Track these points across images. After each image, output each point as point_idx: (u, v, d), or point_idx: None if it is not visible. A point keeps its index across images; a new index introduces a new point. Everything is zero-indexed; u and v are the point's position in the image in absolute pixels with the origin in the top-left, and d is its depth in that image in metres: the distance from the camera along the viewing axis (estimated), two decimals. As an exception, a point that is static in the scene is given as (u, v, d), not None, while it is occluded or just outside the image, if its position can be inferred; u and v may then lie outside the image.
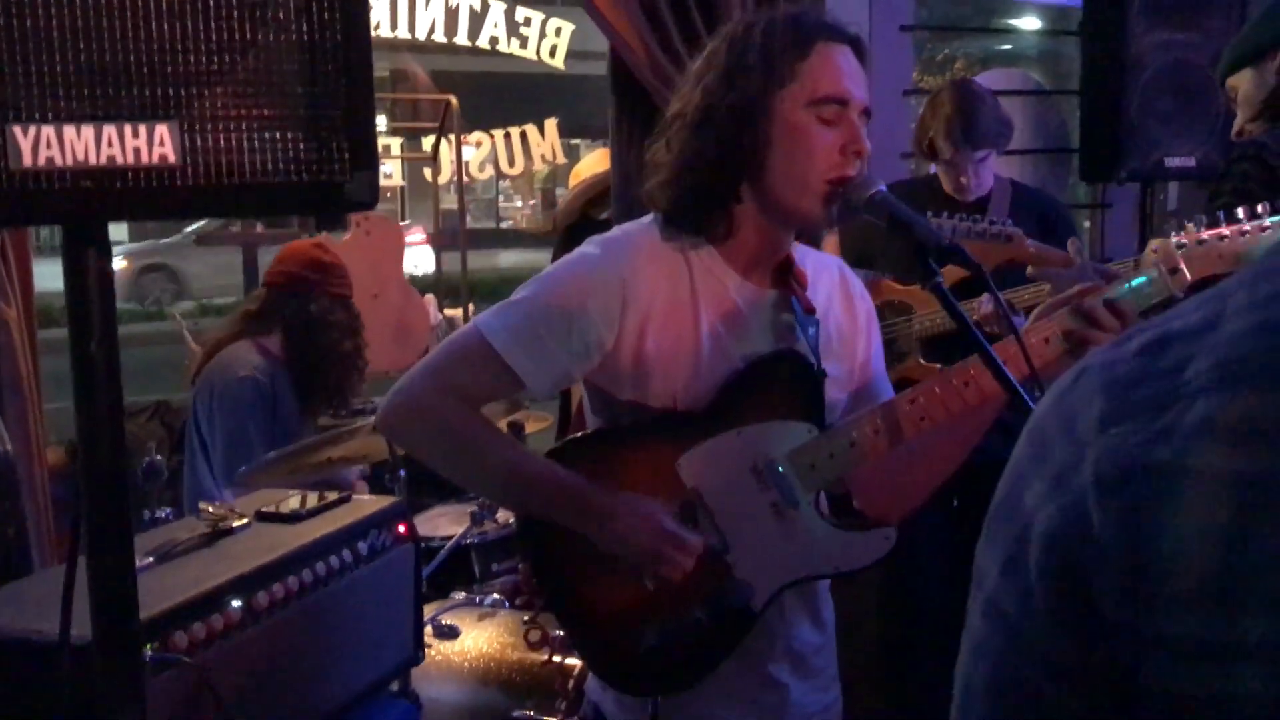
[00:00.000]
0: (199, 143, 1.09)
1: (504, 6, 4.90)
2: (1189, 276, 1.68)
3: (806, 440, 1.73)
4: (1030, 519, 0.63)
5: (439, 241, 5.77)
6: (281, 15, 1.11)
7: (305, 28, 1.12)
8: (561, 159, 5.25)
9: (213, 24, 1.08)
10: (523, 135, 4.96)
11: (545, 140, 4.95)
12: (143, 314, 14.36)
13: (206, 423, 3.17)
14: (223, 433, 3.15)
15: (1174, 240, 1.69)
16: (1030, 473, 0.65)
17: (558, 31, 4.93)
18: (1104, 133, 3.76)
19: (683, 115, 1.69)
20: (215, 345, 3.29)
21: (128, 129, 1.07)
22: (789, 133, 1.64)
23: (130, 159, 1.07)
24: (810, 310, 1.76)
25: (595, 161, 4.23)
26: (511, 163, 5.02)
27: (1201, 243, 1.68)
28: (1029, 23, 5.89)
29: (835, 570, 1.78)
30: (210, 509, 1.99)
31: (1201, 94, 3.72)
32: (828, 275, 1.86)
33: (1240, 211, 1.68)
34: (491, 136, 4.94)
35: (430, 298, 5.06)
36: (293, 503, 2.08)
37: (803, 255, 1.83)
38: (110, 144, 1.06)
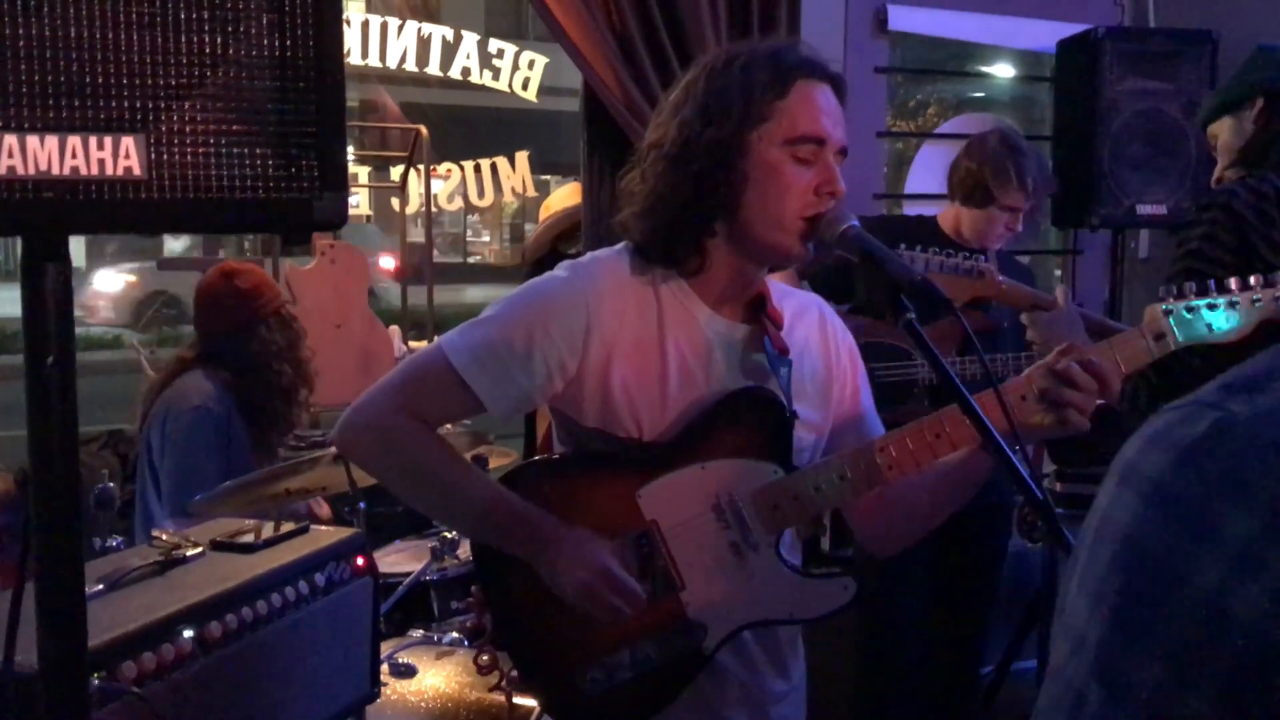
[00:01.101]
0: (166, 156, 1.06)
1: (477, 38, 4.89)
2: (1172, 345, 1.67)
3: (771, 481, 1.70)
4: (1215, 607, 0.53)
5: (405, 274, 5.74)
6: (254, 30, 1.09)
7: (277, 44, 1.10)
8: (532, 192, 5.23)
9: (184, 37, 1.06)
10: (493, 167, 4.94)
11: (516, 173, 4.93)
12: (96, 341, 14.15)
13: (159, 453, 3.11)
14: (173, 462, 3.09)
15: (1161, 306, 1.68)
16: (1188, 552, 0.55)
17: (530, 64, 4.93)
18: (1076, 179, 3.79)
19: (659, 146, 1.68)
20: (167, 375, 3.23)
21: (93, 140, 1.04)
22: (764, 171, 1.63)
23: (95, 171, 1.04)
24: (783, 351, 1.74)
25: (566, 195, 4.22)
26: (481, 194, 5.00)
27: (1190, 309, 1.66)
28: (1002, 69, 5.96)
29: (790, 617, 1.75)
30: (164, 536, 1.94)
31: (1173, 142, 3.77)
32: (807, 316, 1.85)
33: (1232, 282, 1.67)
34: (461, 168, 4.92)
35: (395, 329, 5.02)
36: (248, 533, 2.03)
37: (781, 295, 1.82)
38: (74, 155, 1.03)
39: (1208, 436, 0.56)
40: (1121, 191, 3.79)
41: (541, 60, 4.95)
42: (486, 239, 23.22)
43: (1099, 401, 1.60)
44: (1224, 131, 2.45)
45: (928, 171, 4.20)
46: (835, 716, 3.66)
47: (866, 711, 3.51)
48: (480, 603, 1.80)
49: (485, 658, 1.84)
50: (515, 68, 4.92)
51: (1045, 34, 4.17)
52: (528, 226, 20.93)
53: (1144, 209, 3.80)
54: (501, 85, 4.93)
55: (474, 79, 4.91)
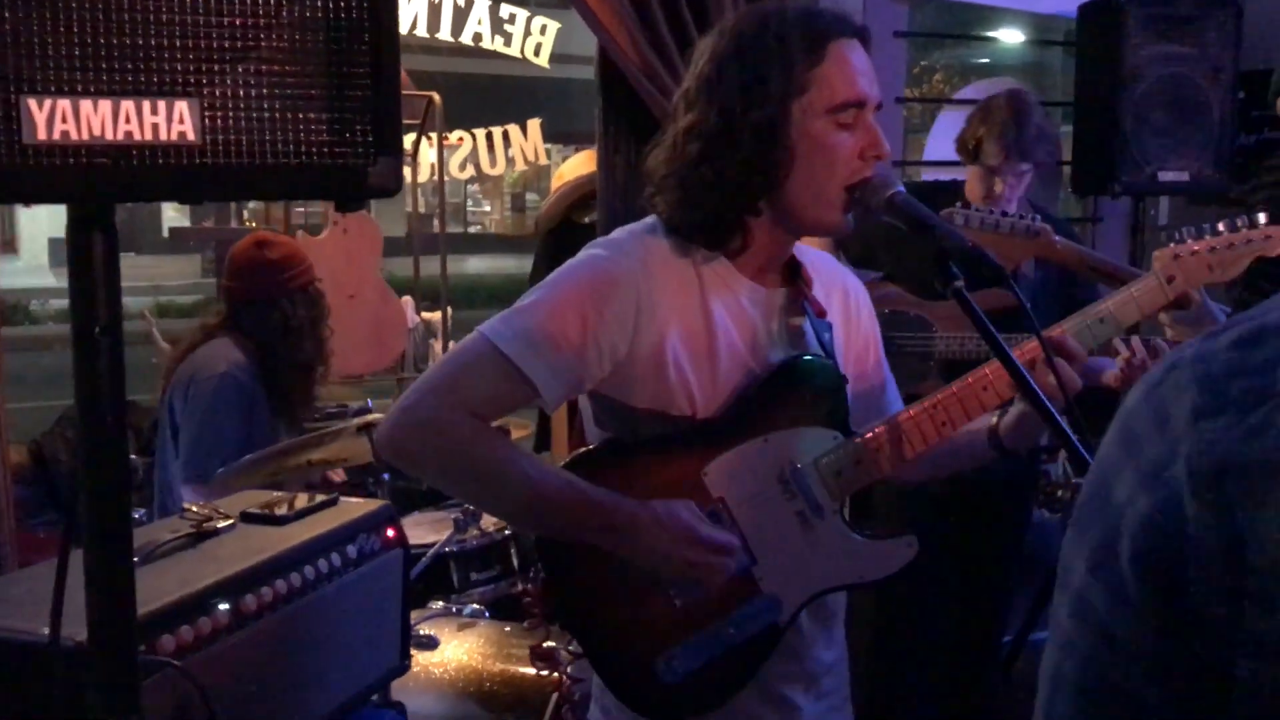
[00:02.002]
0: (219, 122, 1.04)
1: (489, 3, 4.83)
2: (1185, 286, 1.81)
3: (832, 447, 1.69)
4: (1121, 514, 0.63)
5: (411, 245, 5.70)
6: (307, -9, 1.06)
7: (331, 5, 1.07)
8: (544, 160, 5.19)
9: (236, 1, 1.03)
10: (505, 135, 4.89)
11: (528, 140, 4.88)
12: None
13: (181, 419, 3.09)
14: (194, 426, 3.07)
15: (1173, 250, 1.78)
16: (1120, 467, 0.64)
17: (543, 29, 4.86)
18: (1098, 146, 3.76)
19: (696, 129, 1.62)
20: (193, 341, 3.20)
21: (146, 105, 1.01)
22: (810, 144, 1.59)
23: (148, 136, 1.02)
24: (822, 313, 1.73)
25: (579, 164, 4.19)
26: (493, 163, 4.95)
27: (1195, 253, 1.79)
28: (1011, 34, 5.90)
29: (860, 579, 1.74)
30: (194, 509, 1.92)
31: (1196, 108, 3.73)
32: (828, 276, 1.82)
33: (1221, 225, 1.82)
34: (473, 136, 4.87)
35: (408, 299, 4.98)
36: (279, 504, 2.02)
37: (802, 253, 1.79)
38: (128, 120, 1.01)
39: (1162, 373, 0.65)
40: (1144, 158, 3.75)
41: (554, 25, 4.89)
42: (488, 209, 23.13)
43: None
44: None
45: (947, 138, 4.16)
46: (855, 684, 3.66)
47: (888, 680, 3.51)
48: (539, 600, 1.74)
49: (543, 659, 1.80)
50: (527, 33, 4.86)
51: (1066, -1, 4.12)
52: (530, 196, 20.83)
53: (1166, 176, 3.76)
54: (513, 51, 4.86)
55: (485, 44, 4.84)
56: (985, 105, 3.14)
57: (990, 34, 5.86)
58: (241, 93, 1.04)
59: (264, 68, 1.05)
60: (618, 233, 1.73)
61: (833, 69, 1.59)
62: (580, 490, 1.62)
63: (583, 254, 1.69)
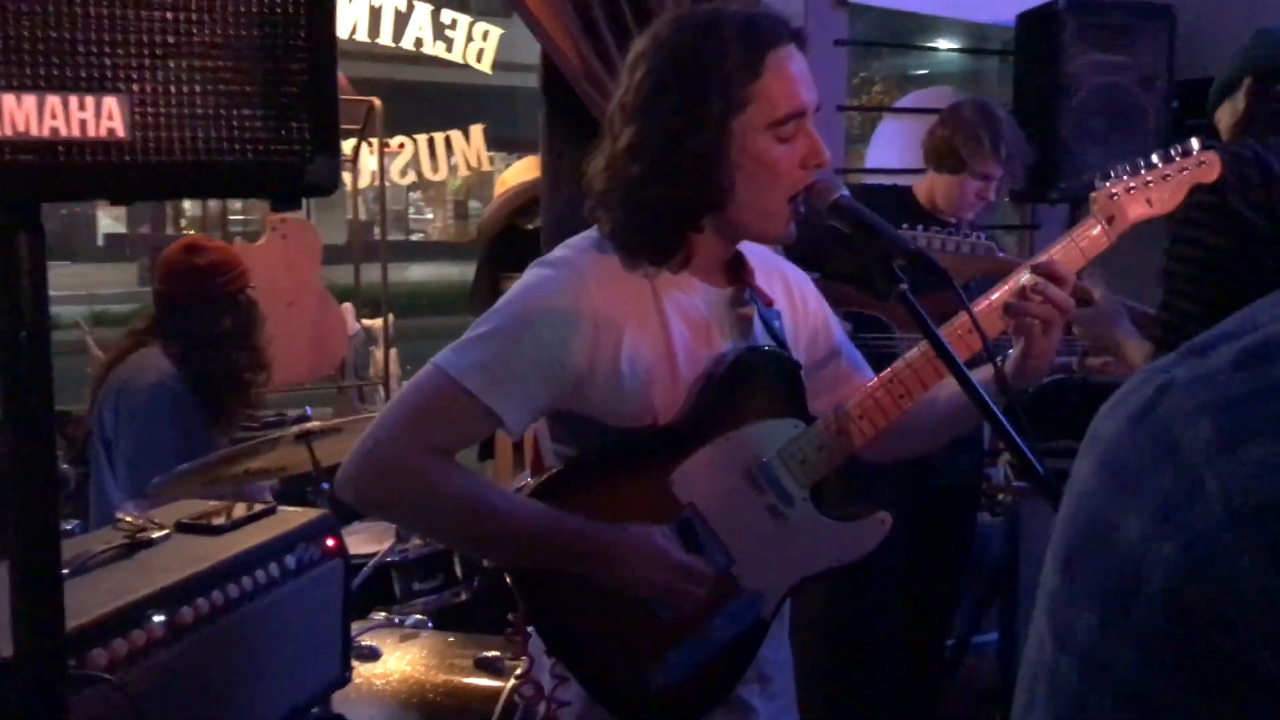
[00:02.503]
0: (150, 118, 1.01)
1: (429, 8, 4.79)
2: (1127, 222, 1.79)
3: (794, 435, 1.69)
4: (1138, 561, 0.56)
5: (352, 252, 5.64)
6: (242, -17, 1.04)
7: (267, -1, 1.05)
8: (487, 165, 5.15)
9: (168, -10, 1.01)
10: (447, 140, 4.85)
11: (471, 146, 4.84)
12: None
13: (113, 431, 3.02)
14: (130, 441, 3.00)
15: (1108, 190, 1.78)
16: (1117, 507, 0.58)
17: (485, 36, 4.82)
18: (1036, 153, 3.79)
19: (636, 152, 1.58)
20: (120, 351, 3.13)
21: (74, 100, 0.99)
22: (752, 162, 1.57)
23: (75, 132, 0.99)
24: (769, 302, 1.73)
25: (522, 170, 4.17)
26: (435, 169, 4.91)
27: (1130, 190, 1.79)
28: (949, 44, 5.98)
29: (839, 562, 1.75)
30: (128, 519, 1.88)
31: (1132, 116, 3.79)
32: (764, 264, 1.82)
33: (1155, 157, 1.82)
34: (414, 141, 4.82)
35: (348, 306, 4.92)
36: (215, 514, 1.98)
37: (742, 247, 1.77)
38: (54, 115, 0.98)
39: (1150, 399, 0.59)
40: (1081, 165, 3.80)
41: (496, 32, 4.86)
42: (430, 216, 22.99)
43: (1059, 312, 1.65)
44: (1224, 115, 2.50)
45: (888, 146, 4.19)
46: (804, 687, 3.66)
47: (836, 683, 3.52)
48: (520, 630, 1.73)
49: (529, 690, 1.76)
50: (469, 39, 4.82)
51: (1004, 7, 4.17)
52: (473, 204, 20.72)
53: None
54: (455, 57, 4.82)
55: (427, 50, 4.79)
56: (956, 115, 3.15)
57: (929, 44, 5.93)
58: (173, 88, 1.02)
59: (196, 63, 1.02)
60: (562, 249, 1.69)
61: (772, 82, 1.56)
62: (554, 521, 1.60)
63: (530, 275, 1.65)
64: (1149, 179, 1.79)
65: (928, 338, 1.47)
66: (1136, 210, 1.78)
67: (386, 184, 4.94)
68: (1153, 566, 0.55)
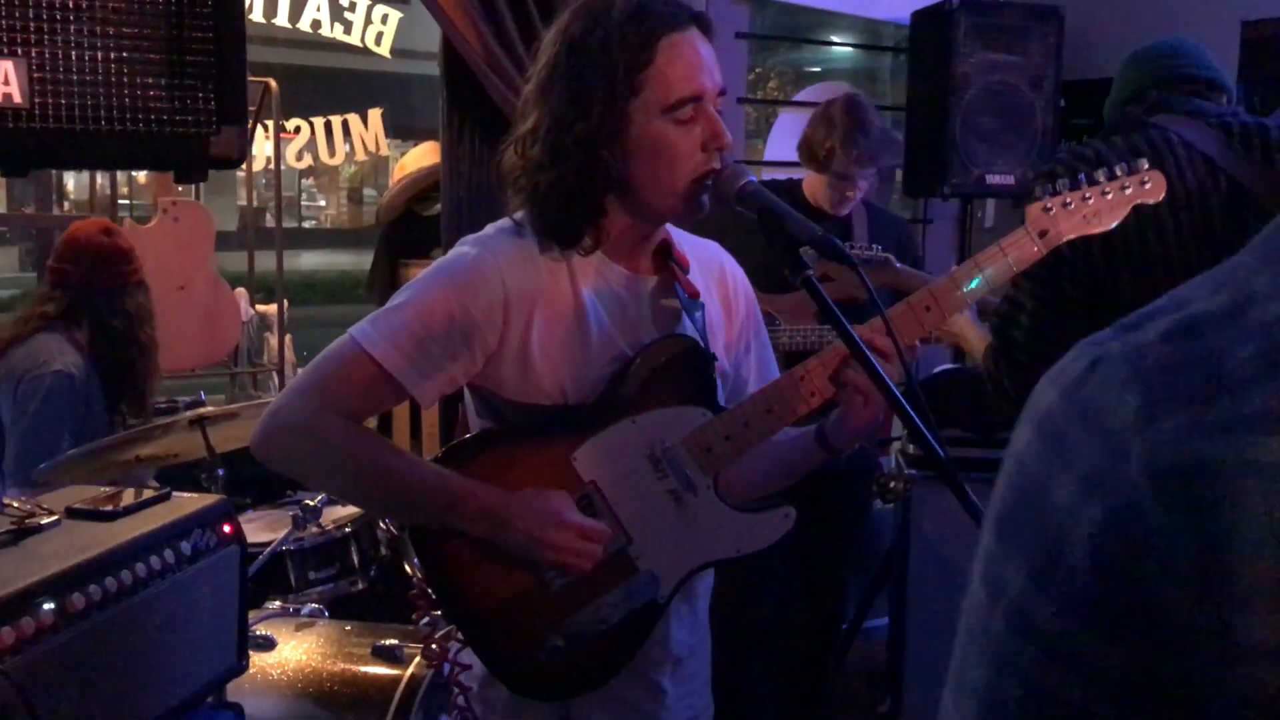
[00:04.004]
0: (49, 84, 0.98)
1: (328, -11, 4.72)
2: (1061, 237, 1.74)
3: (701, 424, 1.71)
4: (1066, 522, 0.59)
5: (244, 238, 5.52)
6: (147, -51, 1.01)
7: (173, -36, 1.02)
8: (385, 150, 5.07)
9: (68, -48, 0.98)
10: (344, 124, 4.77)
11: (369, 130, 4.77)
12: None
13: (8, 418, 2.92)
14: (25, 428, 2.91)
15: (1041, 205, 1.74)
16: (1050, 471, 0.61)
17: (384, 19, 4.74)
18: (929, 149, 3.88)
19: (535, 134, 1.63)
20: (13, 337, 3.02)
21: (-34, 63, 0.95)
22: (648, 145, 1.60)
23: (-32, 96, 0.95)
24: (694, 295, 1.74)
25: (421, 155, 4.12)
26: (332, 153, 4.82)
27: (1067, 205, 1.73)
28: (844, 40, 6.07)
29: (738, 552, 1.76)
30: (14, 504, 1.81)
31: (1021, 114, 3.89)
32: (708, 261, 1.85)
33: (1100, 174, 1.76)
34: (311, 125, 4.74)
35: (241, 291, 4.81)
36: (106, 500, 1.92)
37: (682, 240, 1.82)
38: (-55, 78, 0.94)
39: (1084, 371, 0.62)
40: (971, 162, 3.90)
41: (395, 15, 4.78)
42: (323, 203, 22.58)
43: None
44: None
45: (786, 138, 4.24)
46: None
47: (729, 669, 3.55)
48: (423, 594, 1.75)
49: (435, 648, 1.77)
50: (368, 21, 4.74)
51: (899, 4, 4.24)
52: (367, 191, 20.40)
53: (993, 179, 3.92)
54: (354, 39, 4.74)
55: (324, 32, 4.71)
56: (826, 114, 3.20)
57: (825, 40, 6.01)
58: (74, 54, 0.99)
59: (98, 28, 0.99)
60: (488, 229, 1.74)
61: (666, 67, 1.58)
62: (451, 481, 1.65)
63: (452, 252, 1.71)
64: (1087, 195, 1.74)
65: (832, 323, 1.49)
66: (1072, 226, 1.74)
67: (282, 168, 4.86)
68: (1079, 527, 0.58)
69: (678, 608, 1.77)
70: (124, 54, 0.98)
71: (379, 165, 16.65)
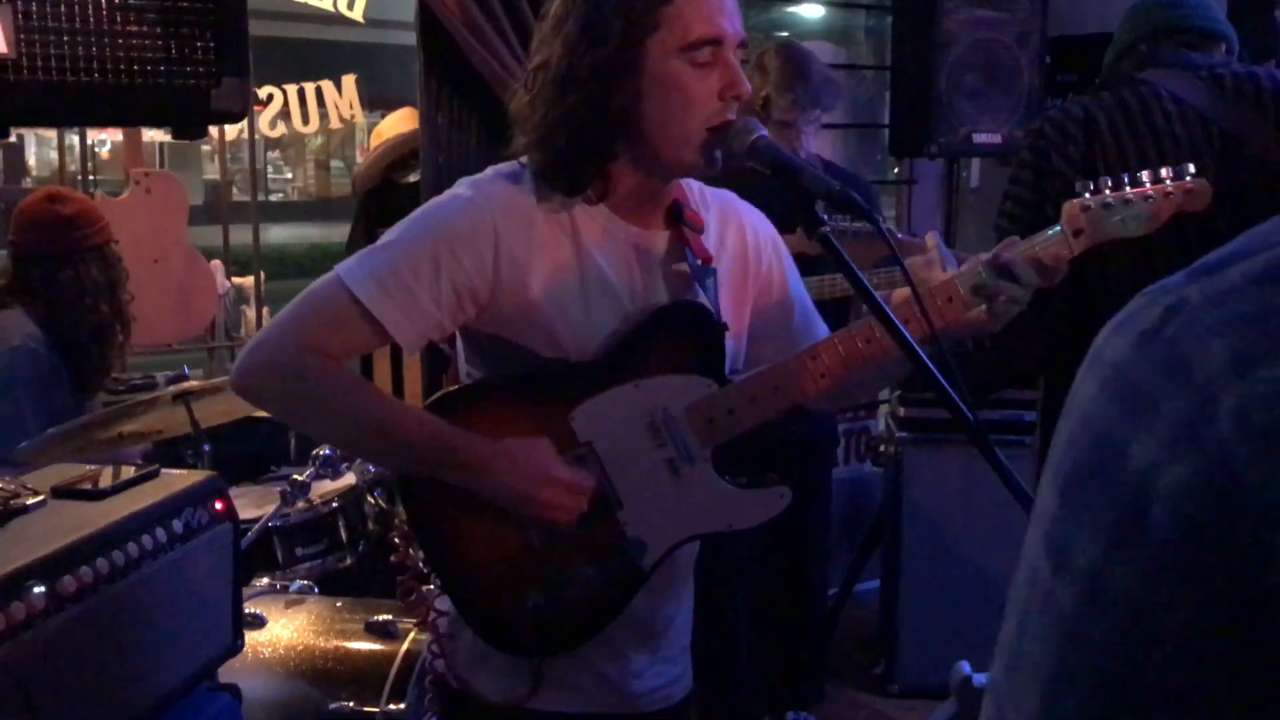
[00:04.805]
0: (38, 33, 0.91)
1: (297, -49, 4.59)
2: (1097, 239, 1.66)
3: (705, 395, 1.66)
4: (1146, 484, 0.55)
5: (219, 211, 5.41)
6: (138, -113, 0.95)
7: (166, -95, 0.96)
8: (360, 118, 4.97)
9: (54, -109, 0.91)
10: (318, 91, 4.67)
11: (343, 97, 4.67)
12: None
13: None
14: None
15: (1081, 203, 1.67)
16: (1127, 430, 0.56)
17: (356, -17, 4.66)
18: (914, 109, 3.84)
19: (545, 69, 1.58)
20: None
21: (-52, 10, 0.88)
22: (662, 84, 1.54)
23: (-48, 47, 0.89)
24: (706, 260, 1.68)
25: (398, 121, 4.04)
26: (305, 120, 4.73)
27: (1108, 205, 1.66)
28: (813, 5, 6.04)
29: (729, 527, 1.72)
30: (-1, 485, 1.75)
31: (1007, 72, 3.85)
32: (726, 212, 1.78)
33: (1144, 175, 1.68)
34: (284, 92, 4.63)
35: (217, 263, 4.72)
36: (92, 478, 1.86)
37: (698, 194, 1.75)
38: (-74, 28, 0.88)
39: (1159, 320, 0.57)
40: (958, 121, 3.86)
41: (367, -21, 4.70)
42: (289, 176, 22.31)
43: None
44: None
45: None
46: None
47: (709, 654, 3.53)
48: (405, 538, 1.72)
49: (413, 596, 1.75)
50: (340, -14, 4.66)
51: (883, -38, 4.19)
52: (334, 164, 20.16)
53: (979, 138, 3.88)
54: (325, 4, 4.65)
55: (297, -2, 4.62)
56: (759, 63, 3.18)
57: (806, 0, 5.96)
58: (64, 2, 0.92)
59: (89, -27, 0.93)
60: (488, 171, 1.68)
61: (687, 6, 1.53)
62: (434, 427, 1.61)
63: (447, 193, 1.65)
64: (1129, 197, 1.66)
65: (849, 279, 1.44)
66: (1110, 229, 1.66)
67: (255, 136, 4.75)
68: (1164, 491, 0.54)
69: (659, 580, 1.72)
70: (117, 1, 0.91)
71: (347, 137, 16.43)
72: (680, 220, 1.68)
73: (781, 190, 1.50)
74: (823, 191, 1.45)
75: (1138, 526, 0.55)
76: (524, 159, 1.65)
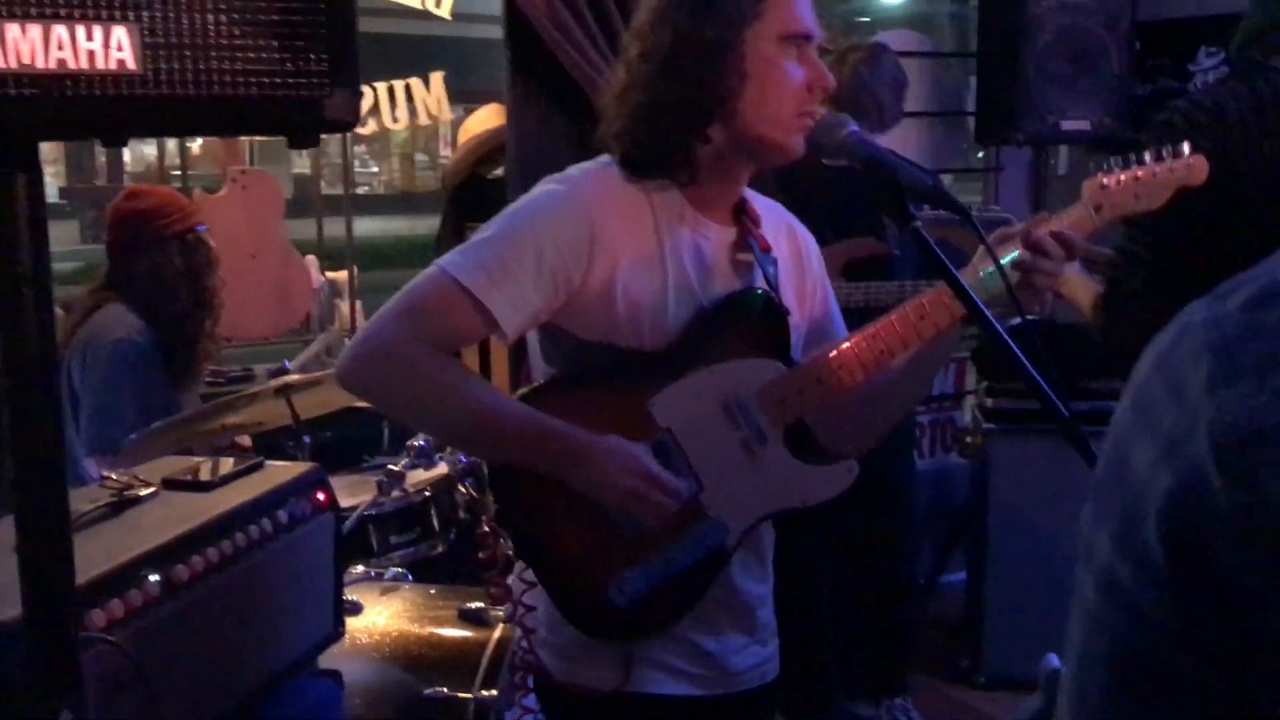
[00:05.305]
0: (161, 49, 0.96)
1: (387, -48, 4.67)
2: (1114, 212, 1.80)
3: (776, 377, 1.73)
4: (1143, 488, 0.61)
5: (314, 204, 5.52)
6: (255, -94, 0.98)
7: (281, -78, 1.00)
8: (447, 115, 5.05)
9: (177, -86, 0.95)
10: (407, 88, 4.75)
11: (431, 94, 4.74)
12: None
13: (80, 388, 2.95)
14: (93, 397, 2.94)
15: (1100, 180, 1.78)
16: (1137, 438, 0.63)
17: (444, -20, 4.72)
18: (1000, 96, 3.80)
19: (648, 55, 1.66)
20: (86, 310, 3.06)
21: (80, 29, 0.93)
22: (762, 68, 1.64)
23: (84, 64, 0.93)
24: (767, 249, 1.77)
25: (485, 118, 4.09)
26: (395, 118, 4.81)
27: (1120, 182, 1.79)
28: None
29: (803, 503, 1.79)
30: (113, 477, 1.82)
31: (1096, 59, 3.79)
32: (776, 218, 1.88)
33: (1147, 154, 1.80)
34: (374, 89, 4.72)
35: (311, 258, 4.83)
36: (201, 469, 1.93)
37: (750, 196, 1.84)
38: (60, 46, 0.93)
39: (1171, 341, 0.64)
40: (1045, 108, 3.81)
41: (455, -24, 4.75)
42: (375, 169, 22.64)
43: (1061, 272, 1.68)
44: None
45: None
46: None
47: (792, 641, 3.56)
48: (493, 533, 1.78)
49: (496, 590, 1.80)
50: (428, -16, 4.72)
51: (968, -51, 4.14)
52: (419, 157, 20.41)
53: (1068, 125, 3.83)
54: (414, 2, 4.72)
55: (386, -6, 4.69)
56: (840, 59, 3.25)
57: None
58: (185, 18, 0.96)
59: (208, -11, 0.97)
60: (574, 170, 1.76)
61: (784, 1, 1.65)
62: (537, 419, 1.65)
63: (538, 189, 1.72)
64: (1139, 174, 1.80)
65: (942, 274, 1.45)
66: (1125, 203, 1.79)
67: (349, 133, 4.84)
68: (1154, 494, 0.60)
69: (744, 558, 1.79)
70: (235, 16, 0.95)
71: (431, 131, 16.62)
72: (744, 214, 1.78)
73: (868, 184, 1.52)
74: (921, 187, 1.47)
75: (1135, 525, 0.61)
76: (610, 155, 1.73)
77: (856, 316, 1.88)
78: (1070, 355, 2.55)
